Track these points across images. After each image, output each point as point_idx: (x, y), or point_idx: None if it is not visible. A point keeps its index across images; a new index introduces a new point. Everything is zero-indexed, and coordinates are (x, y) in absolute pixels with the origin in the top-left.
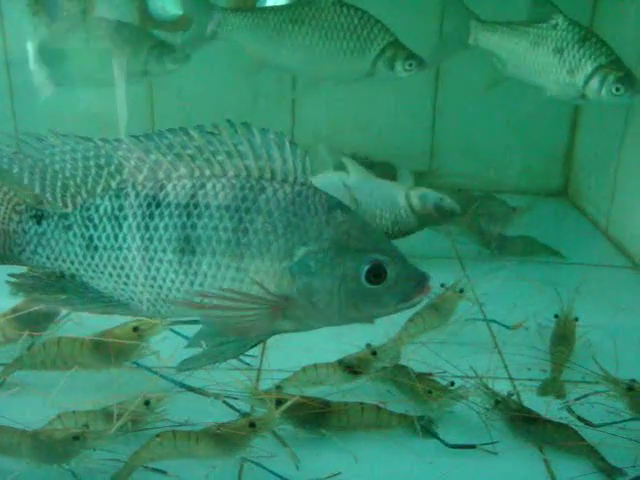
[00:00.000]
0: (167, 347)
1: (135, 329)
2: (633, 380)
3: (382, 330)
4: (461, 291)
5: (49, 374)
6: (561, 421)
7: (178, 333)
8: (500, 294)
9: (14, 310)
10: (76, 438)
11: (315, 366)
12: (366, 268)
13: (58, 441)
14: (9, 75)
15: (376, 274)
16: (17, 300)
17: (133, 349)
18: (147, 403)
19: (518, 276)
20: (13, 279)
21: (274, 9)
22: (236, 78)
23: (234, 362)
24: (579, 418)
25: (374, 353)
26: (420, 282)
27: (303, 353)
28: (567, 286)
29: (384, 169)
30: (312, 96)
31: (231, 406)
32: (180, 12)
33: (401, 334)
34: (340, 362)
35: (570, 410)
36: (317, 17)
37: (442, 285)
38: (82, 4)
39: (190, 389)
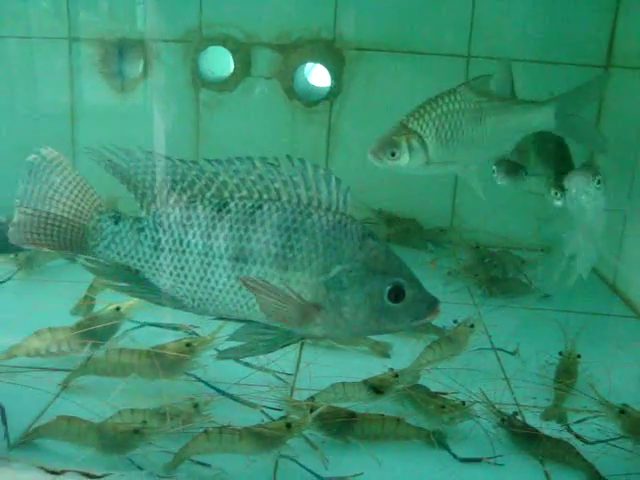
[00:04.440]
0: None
1: (188, 345)
2: (625, 405)
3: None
4: (472, 326)
5: (108, 380)
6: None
7: None
8: (509, 334)
9: (79, 325)
10: (136, 432)
11: (343, 384)
12: (389, 288)
13: (120, 433)
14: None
15: (397, 294)
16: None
17: (185, 362)
18: (196, 406)
19: (527, 318)
20: (89, 263)
21: None
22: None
23: (271, 379)
24: (576, 436)
25: (396, 376)
26: (432, 305)
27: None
28: (572, 329)
29: (409, 224)
30: (344, 153)
31: (267, 414)
32: (227, 74)
33: (419, 360)
34: (365, 382)
35: (569, 429)
36: None
37: (455, 321)
38: (140, 66)
39: (233, 398)
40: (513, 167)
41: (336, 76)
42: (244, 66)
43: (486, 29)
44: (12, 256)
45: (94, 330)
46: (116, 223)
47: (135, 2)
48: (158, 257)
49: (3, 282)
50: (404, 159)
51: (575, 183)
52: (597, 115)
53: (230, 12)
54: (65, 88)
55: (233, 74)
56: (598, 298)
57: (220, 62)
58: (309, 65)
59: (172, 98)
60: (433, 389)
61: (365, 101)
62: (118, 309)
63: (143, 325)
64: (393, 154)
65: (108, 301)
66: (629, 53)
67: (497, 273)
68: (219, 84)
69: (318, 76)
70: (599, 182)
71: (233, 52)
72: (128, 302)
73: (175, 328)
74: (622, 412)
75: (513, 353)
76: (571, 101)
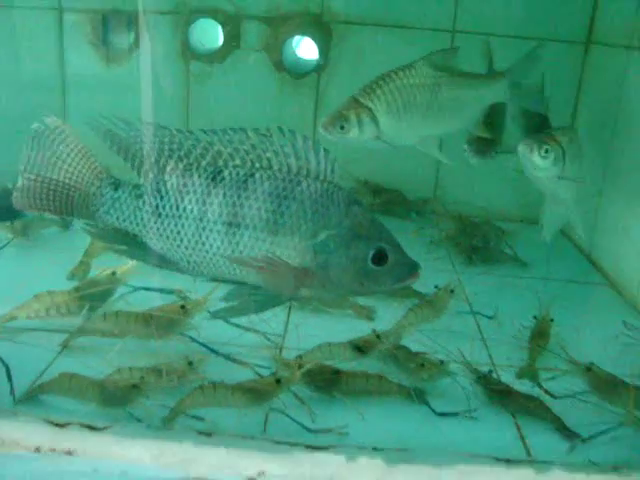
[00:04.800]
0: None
1: (182, 307)
2: (591, 363)
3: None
4: (452, 291)
5: (105, 341)
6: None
7: None
8: (488, 299)
9: (76, 289)
10: (135, 387)
11: (329, 344)
12: (372, 252)
13: (120, 388)
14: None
15: (380, 258)
16: (75, 283)
17: (179, 323)
18: (190, 364)
19: (505, 285)
20: (90, 228)
21: None
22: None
23: (262, 340)
24: (545, 391)
25: (378, 336)
26: (412, 268)
27: (318, 337)
28: (548, 296)
29: (393, 195)
30: None
31: (257, 373)
32: (216, 46)
33: (401, 322)
34: (350, 342)
35: (540, 385)
36: None
37: (436, 286)
38: (131, 38)
39: (225, 356)
40: (483, 145)
41: (323, 49)
42: (233, 38)
43: (470, 4)
44: (8, 224)
45: (91, 293)
46: (115, 190)
47: None
48: (155, 222)
49: (0, 248)
50: (353, 133)
51: (520, 151)
52: (576, 93)
53: None
54: (56, 58)
55: (222, 46)
56: (574, 267)
57: (210, 34)
58: (297, 38)
59: (162, 69)
60: (414, 349)
61: (352, 74)
62: (114, 274)
63: (138, 289)
64: (342, 127)
65: (103, 266)
66: (609, 31)
67: (478, 242)
68: (209, 56)
69: (306, 49)
70: (547, 151)
71: (223, 24)
72: (123, 267)
73: (168, 292)
74: (588, 369)
75: (491, 317)
76: (519, 72)
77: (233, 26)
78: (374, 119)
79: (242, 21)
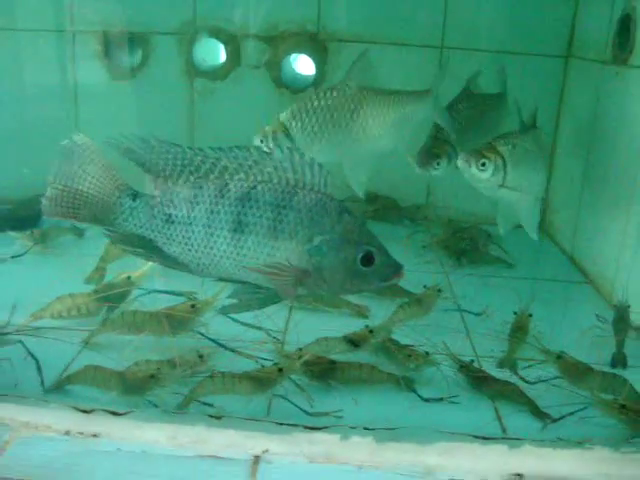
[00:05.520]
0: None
1: (193, 306)
2: (562, 351)
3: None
4: (439, 290)
5: (122, 339)
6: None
7: None
8: (474, 298)
9: (95, 291)
10: (152, 376)
11: (326, 338)
12: (361, 255)
13: (139, 378)
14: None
15: (367, 260)
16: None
17: (191, 321)
18: (201, 356)
19: (491, 285)
20: (110, 234)
21: None
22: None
23: (265, 336)
24: (521, 378)
25: (371, 331)
26: (397, 269)
27: (316, 334)
28: (529, 294)
29: (387, 202)
30: None
31: (261, 364)
32: (219, 64)
33: (391, 318)
34: (344, 337)
35: (516, 372)
36: None
37: (424, 286)
38: (138, 56)
39: (232, 350)
40: (426, 157)
41: (320, 65)
42: (235, 56)
43: (457, 21)
44: (28, 232)
45: (109, 295)
46: (134, 200)
47: None
48: (169, 229)
49: (20, 255)
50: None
51: (459, 164)
52: (557, 105)
53: (222, 6)
54: (69, 77)
55: (225, 64)
56: (557, 267)
57: (213, 53)
58: (295, 55)
59: (168, 87)
60: (403, 343)
61: None
62: (129, 278)
63: (151, 292)
64: (261, 141)
65: (118, 271)
66: (587, 45)
67: (466, 245)
68: (212, 73)
69: (303, 65)
70: (483, 165)
71: (225, 43)
72: (137, 272)
73: (178, 294)
74: (559, 357)
75: (479, 314)
76: (437, 85)
77: (234, 45)
78: (289, 137)
79: (243, 40)
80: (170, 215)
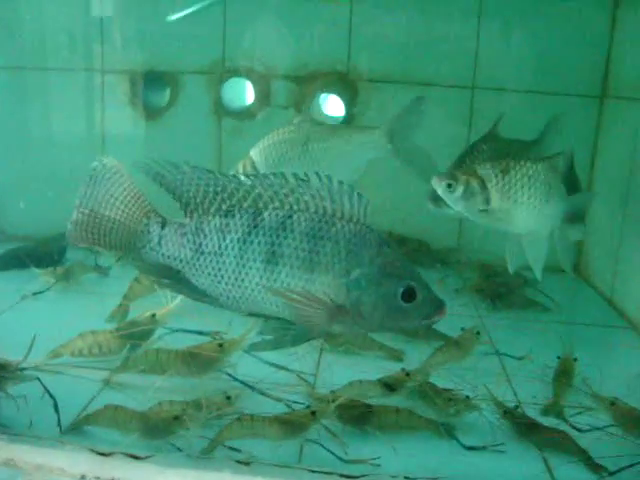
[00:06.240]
0: None
1: (220, 345)
2: (615, 398)
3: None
4: (477, 333)
5: (143, 378)
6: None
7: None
8: (511, 342)
9: (117, 329)
10: (176, 418)
11: (360, 381)
12: (402, 290)
13: (162, 420)
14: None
15: (409, 295)
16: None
17: (217, 361)
18: (228, 398)
19: (528, 329)
20: (137, 263)
21: None
22: None
23: (295, 379)
24: (571, 425)
25: (407, 374)
26: (440, 306)
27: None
28: (570, 338)
29: (418, 245)
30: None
31: (291, 407)
32: (247, 104)
33: (428, 361)
34: (380, 380)
35: (565, 419)
36: None
37: (462, 328)
38: (167, 96)
39: (261, 392)
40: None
41: (349, 106)
42: (264, 96)
43: (488, 60)
44: (51, 269)
45: (132, 333)
46: (162, 227)
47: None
48: (198, 259)
49: (42, 292)
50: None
51: (432, 181)
52: (593, 145)
53: (251, 46)
54: (98, 116)
55: (253, 104)
56: (595, 311)
57: (241, 92)
58: (324, 95)
59: (196, 126)
60: (441, 387)
61: None
62: (154, 316)
63: (176, 331)
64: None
65: (142, 310)
66: (623, 84)
67: (501, 289)
68: (240, 113)
69: (333, 106)
70: (449, 186)
71: (254, 83)
72: (162, 310)
73: (204, 334)
74: (612, 404)
75: (521, 358)
76: (397, 124)
77: (263, 85)
78: (255, 170)
79: (272, 80)
80: (200, 244)
